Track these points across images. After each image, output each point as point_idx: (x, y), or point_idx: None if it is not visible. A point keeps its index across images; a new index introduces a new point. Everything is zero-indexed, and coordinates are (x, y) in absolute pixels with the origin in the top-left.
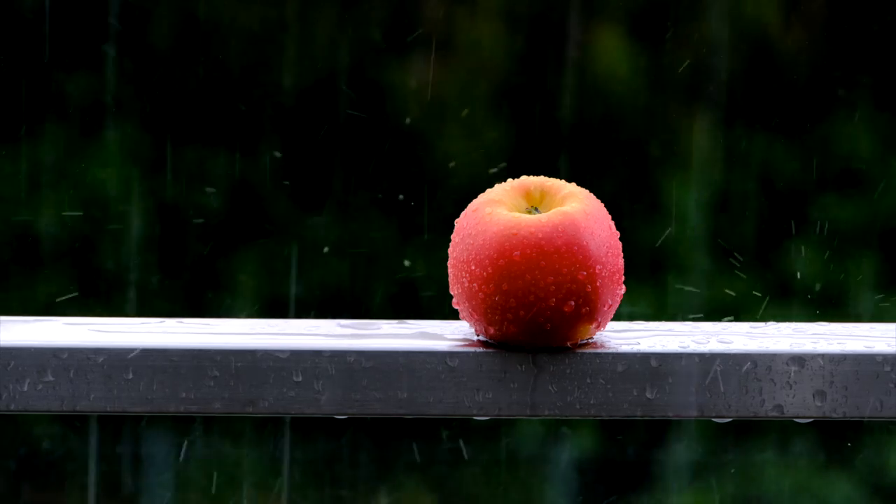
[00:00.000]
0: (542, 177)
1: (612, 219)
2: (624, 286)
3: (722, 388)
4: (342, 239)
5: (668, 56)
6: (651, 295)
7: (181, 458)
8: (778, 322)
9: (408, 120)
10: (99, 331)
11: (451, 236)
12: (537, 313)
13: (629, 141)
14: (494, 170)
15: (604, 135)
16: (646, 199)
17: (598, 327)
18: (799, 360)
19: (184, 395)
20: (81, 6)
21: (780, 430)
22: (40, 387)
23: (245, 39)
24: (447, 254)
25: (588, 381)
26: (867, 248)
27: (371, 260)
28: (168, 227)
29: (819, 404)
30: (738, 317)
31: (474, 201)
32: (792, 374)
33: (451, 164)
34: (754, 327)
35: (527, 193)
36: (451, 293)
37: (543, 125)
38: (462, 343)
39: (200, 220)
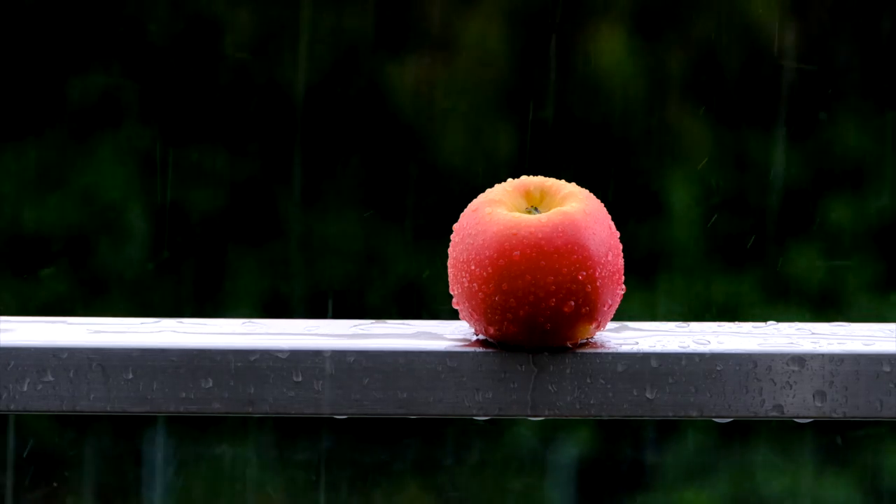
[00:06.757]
0: (541, 177)
1: (612, 219)
2: (624, 286)
3: (722, 388)
4: (342, 238)
5: (668, 55)
6: (651, 295)
7: (180, 459)
8: (778, 322)
9: (408, 119)
10: (99, 331)
11: (451, 236)
12: (537, 313)
13: (629, 140)
14: (494, 170)
15: (603, 134)
16: (645, 199)
17: (598, 327)
18: (799, 360)
19: (183, 395)
20: (81, 6)
21: (780, 431)
22: (40, 387)
23: (245, 38)
24: (447, 254)
25: (588, 381)
26: (867, 247)
27: (371, 260)
28: (168, 227)
29: (819, 404)
30: (738, 317)
31: (474, 201)
32: (792, 374)
33: (452, 164)
34: (754, 327)
35: (527, 193)
36: (451, 293)
37: (543, 124)
38: (462, 343)
39: (200, 220)
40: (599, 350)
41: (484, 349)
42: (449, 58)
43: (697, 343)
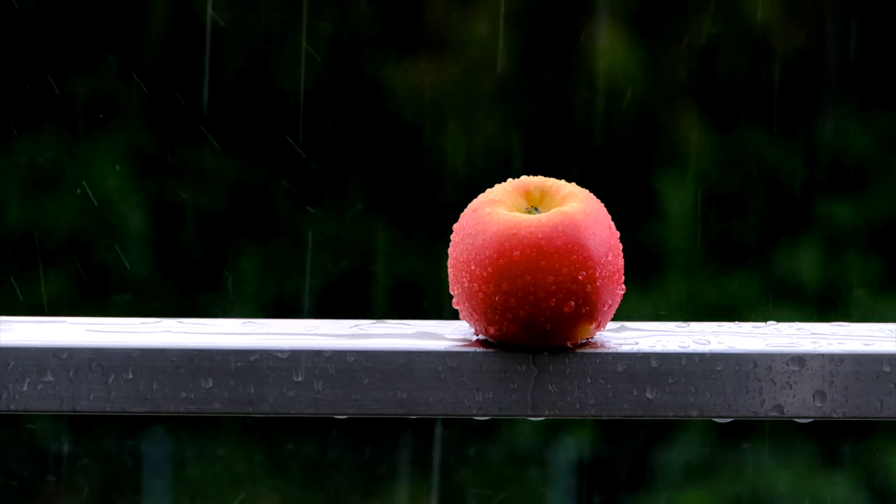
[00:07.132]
0: (541, 176)
1: (612, 219)
2: (624, 286)
3: (722, 388)
4: (342, 238)
5: (667, 55)
6: (650, 295)
7: (179, 459)
8: (778, 322)
9: (408, 119)
10: (99, 331)
11: (451, 236)
12: (537, 313)
13: (628, 140)
14: (494, 169)
15: (603, 134)
16: (644, 199)
17: (598, 327)
18: (799, 360)
19: (183, 395)
20: (81, 5)
21: (780, 431)
22: (40, 387)
23: (245, 39)
24: (447, 254)
25: (588, 381)
26: (866, 247)
27: (371, 260)
28: (168, 227)
29: (819, 404)
30: (738, 317)
31: (474, 201)
32: (792, 374)
33: (452, 164)
34: (754, 327)
35: (527, 193)
36: (451, 293)
37: (543, 124)
38: (462, 343)
39: (200, 220)
40: (599, 350)
41: (484, 349)
42: (449, 58)
43: (697, 343)
